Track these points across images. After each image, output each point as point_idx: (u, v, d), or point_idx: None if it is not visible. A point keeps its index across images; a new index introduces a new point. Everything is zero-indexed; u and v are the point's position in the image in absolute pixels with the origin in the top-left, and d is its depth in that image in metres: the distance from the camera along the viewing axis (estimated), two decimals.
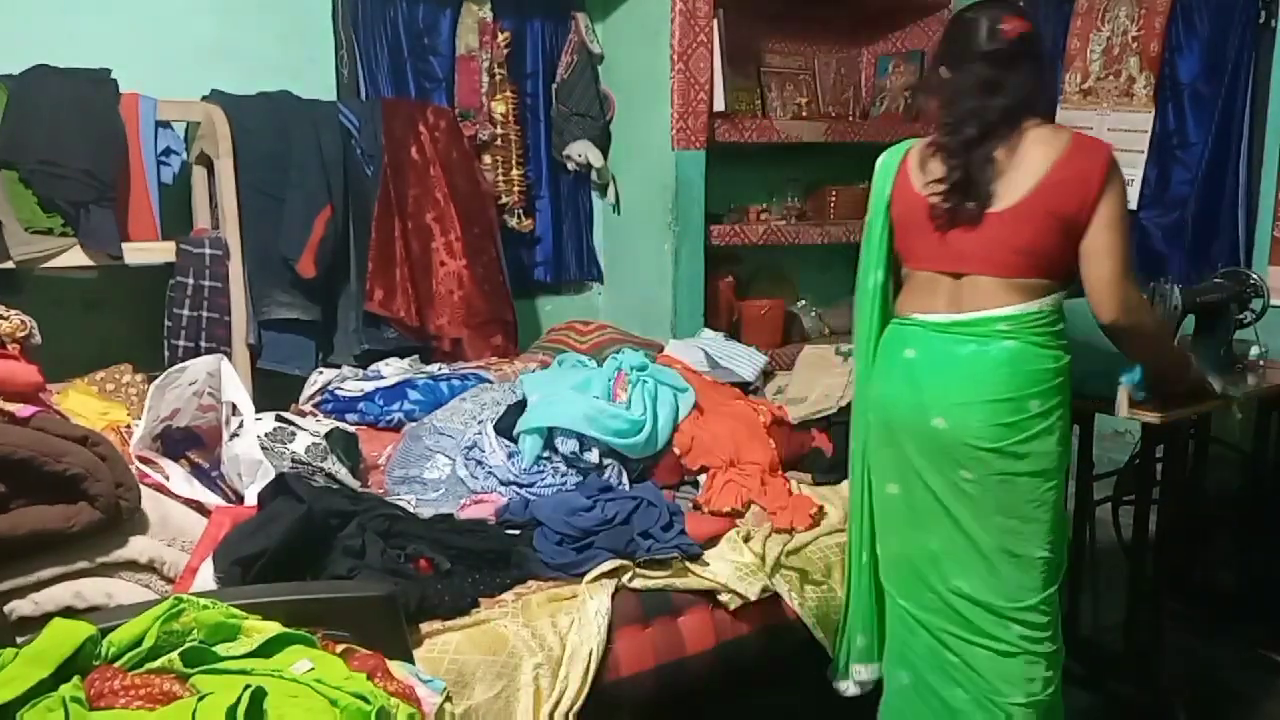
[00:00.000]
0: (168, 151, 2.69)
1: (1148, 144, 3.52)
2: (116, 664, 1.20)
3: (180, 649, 1.22)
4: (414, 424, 2.58)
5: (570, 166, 3.61)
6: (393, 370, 2.79)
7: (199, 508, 1.90)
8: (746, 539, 2.13)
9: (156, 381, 2.08)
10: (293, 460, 2.14)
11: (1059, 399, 1.86)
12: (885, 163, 2.04)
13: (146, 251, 2.60)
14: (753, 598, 1.99)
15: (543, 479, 2.27)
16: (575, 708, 1.75)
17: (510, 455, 2.32)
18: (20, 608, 1.52)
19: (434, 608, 1.75)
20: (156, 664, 1.21)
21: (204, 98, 2.79)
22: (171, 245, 2.62)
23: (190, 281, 2.63)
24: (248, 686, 1.12)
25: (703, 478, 2.43)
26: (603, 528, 2.04)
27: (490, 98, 3.38)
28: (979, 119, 1.83)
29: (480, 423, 2.43)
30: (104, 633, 1.22)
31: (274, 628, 1.30)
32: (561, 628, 1.82)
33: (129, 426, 2.16)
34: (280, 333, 2.86)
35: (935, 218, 1.89)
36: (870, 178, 2.07)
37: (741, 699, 2.16)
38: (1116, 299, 1.81)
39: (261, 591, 1.50)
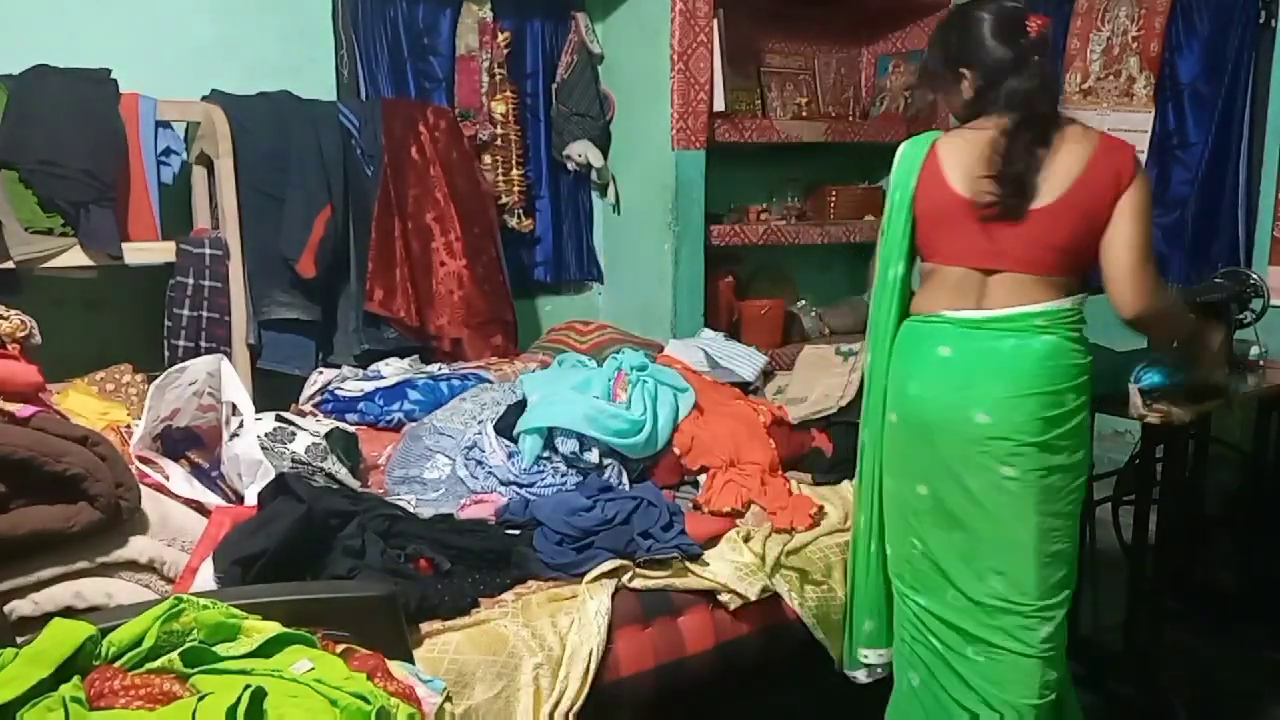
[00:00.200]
0: (168, 151, 2.70)
1: (1148, 144, 3.51)
2: (116, 664, 1.20)
3: (180, 649, 1.22)
4: (414, 424, 2.58)
5: (570, 166, 3.61)
6: (393, 370, 2.79)
7: (199, 508, 1.90)
8: (746, 539, 2.13)
9: (156, 381, 2.08)
10: (293, 460, 2.14)
11: (1087, 396, 1.87)
12: (907, 153, 1.99)
13: (146, 251, 2.60)
14: (753, 598, 1.99)
15: (543, 479, 2.27)
16: (575, 708, 1.75)
17: (510, 455, 2.32)
18: (20, 608, 1.53)
19: (434, 608, 1.75)
20: (156, 664, 1.21)
21: (204, 98, 2.80)
22: (171, 245, 2.62)
23: (190, 281, 2.63)
24: (248, 686, 1.12)
25: (703, 478, 2.43)
26: (603, 528, 2.04)
27: (490, 98, 3.38)
28: (1031, 116, 1.83)
29: (480, 423, 2.43)
30: (104, 633, 1.22)
31: (274, 628, 1.30)
32: (561, 628, 1.82)
33: (129, 426, 2.16)
34: (280, 333, 2.87)
35: (977, 212, 1.86)
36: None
37: (741, 699, 2.16)
38: (1138, 286, 1.81)
39: (261, 591, 1.50)
